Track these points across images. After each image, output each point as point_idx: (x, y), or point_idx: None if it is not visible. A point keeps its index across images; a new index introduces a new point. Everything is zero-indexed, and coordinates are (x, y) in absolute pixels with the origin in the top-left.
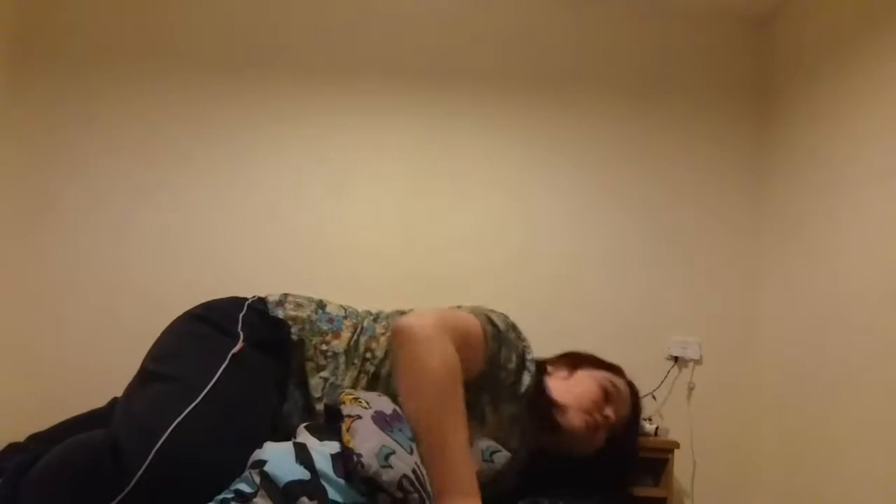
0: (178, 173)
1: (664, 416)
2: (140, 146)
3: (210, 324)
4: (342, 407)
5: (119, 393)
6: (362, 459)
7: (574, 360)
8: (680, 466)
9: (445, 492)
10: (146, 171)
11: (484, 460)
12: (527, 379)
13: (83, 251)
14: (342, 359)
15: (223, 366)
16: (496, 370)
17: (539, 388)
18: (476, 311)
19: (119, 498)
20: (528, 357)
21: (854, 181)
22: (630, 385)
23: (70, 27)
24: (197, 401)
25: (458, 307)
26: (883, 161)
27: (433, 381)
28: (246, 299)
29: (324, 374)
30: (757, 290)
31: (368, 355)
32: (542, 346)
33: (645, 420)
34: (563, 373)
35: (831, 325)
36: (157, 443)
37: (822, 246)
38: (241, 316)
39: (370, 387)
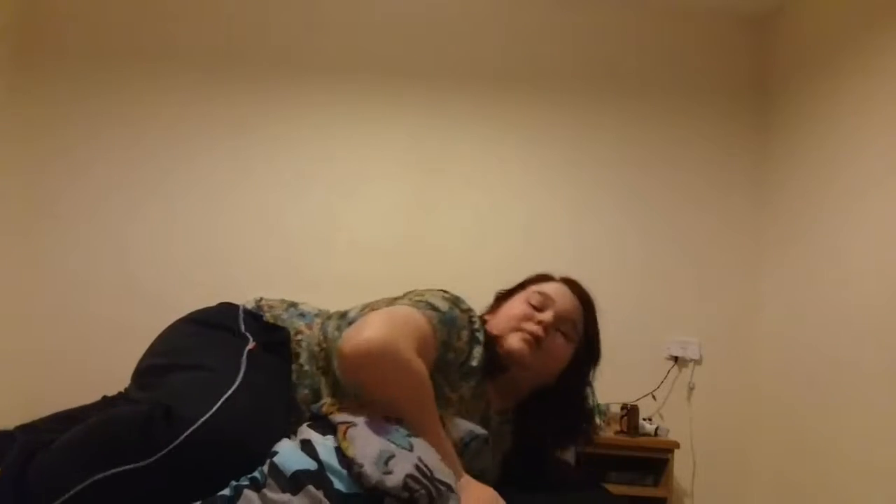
0: (179, 173)
1: (664, 416)
2: (141, 146)
3: (214, 327)
4: (331, 417)
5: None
6: (364, 470)
7: (499, 299)
8: (680, 466)
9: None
10: (147, 170)
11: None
12: (478, 351)
13: (84, 251)
14: (314, 349)
15: (245, 361)
16: (448, 352)
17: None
18: (414, 302)
19: (164, 451)
20: (476, 327)
21: (854, 180)
22: (566, 280)
23: (70, 30)
24: (235, 385)
25: (395, 300)
26: (883, 160)
27: (410, 392)
28: (237, 306)
29: (300, 361)
30: (757, 290)
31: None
32: None
33: (645, 420)
34: (492, 314)
35: (831, 325)
36: (207, 411)
37: (821, 246)
38: (241, 320)
39: (329, 374)
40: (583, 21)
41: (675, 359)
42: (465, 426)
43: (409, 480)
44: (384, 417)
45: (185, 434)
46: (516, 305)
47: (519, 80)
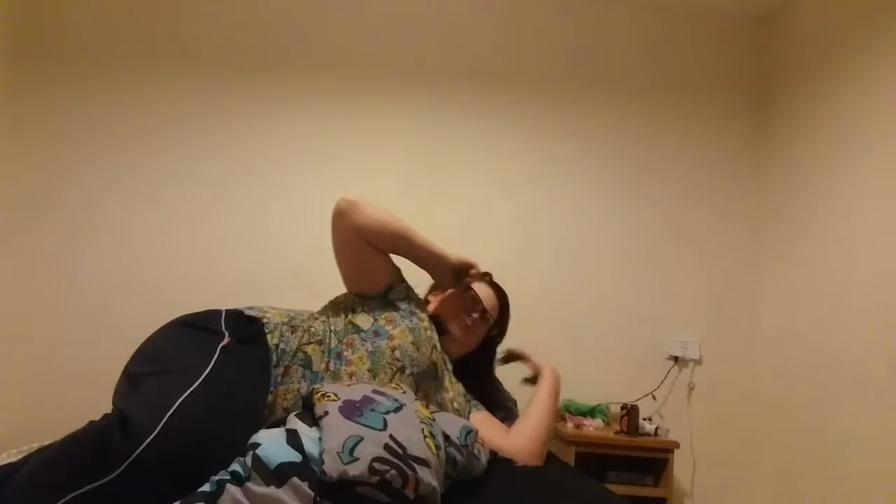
0: (179, 173)
1: (664, 416)
2: (138, 148)
3: (196, 328)
4: (314, 408)
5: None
6: (325, 466)
7: (440, 288)
8: (680, 466)
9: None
10: (144, 172)
11: (463, 445)
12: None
13: (81, 252)
14: (332, 333)
15: (215, 356)
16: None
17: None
18: None
19: (126, 463)
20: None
21: (854, 180)
22: (485, 275)
23: (69, 30)
24: (197, 383)
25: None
26: (883, 159)
27: (385, 219)
28: (221, 310)
29: (322, 346)
30: (757, 290)
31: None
32: (541, 345)
33: (645, 420)
34: (437, 295)
35: (831, 325)
36: (164, 416)
37: (821, 246)
38: (222, 319)
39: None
40: (583, 20)
41: (675, 359)
42: (458, 422)
43: (375, 464)
44: (361, 400)
45: (144, 444)
46: (455, 300)
47: (518, 78)
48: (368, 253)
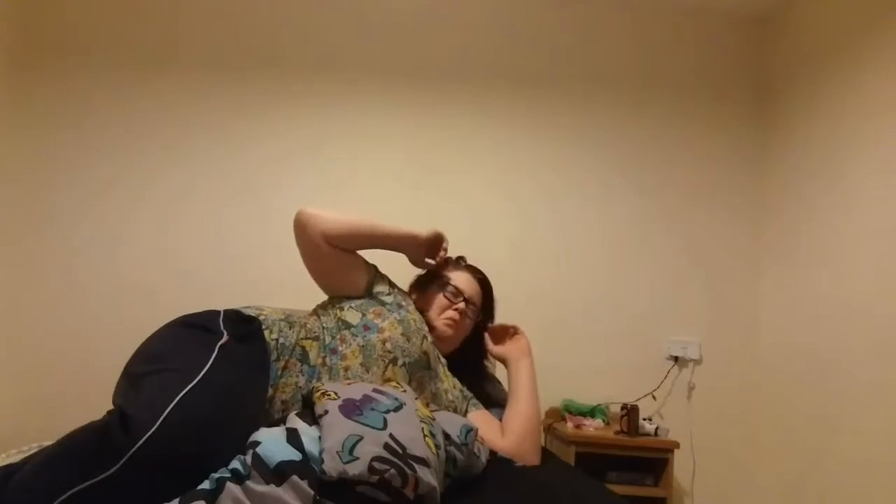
0: (177, 173)
1: (664, 416)
2: (138, 147)
3: (194, 327)
4: (315, 407)
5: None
6: (324, 466)
7: (420, 285)
8: (680, 466)
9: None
10: (144, 171)
11: (463, 444)
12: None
13: (81, 251)
14: (325, 330)
15: (214, 355)
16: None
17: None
18: None
19: (125, 458)
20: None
21: (854, 180)
22: (469, 268)
23: (69, 31)
24: (196, 381)
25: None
26: (882, 160)
27: (345, 218)
28: (219, 310)
29: (318, 342)
30: (757, 290)
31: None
32: (541, 343)
33: (645, 420)
34: (417, 293)
35: (831, 325)
36: (163, 412)
37: (822, 246)
38: (220, 319)
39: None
40: (583, 20)
41: (675, 359)
42: (458, 420)
43: (374, 463)
44: (361, 399)
45: (143, 438)
46: (436, 298)
47: (517, 80)
48: (336, 256)
